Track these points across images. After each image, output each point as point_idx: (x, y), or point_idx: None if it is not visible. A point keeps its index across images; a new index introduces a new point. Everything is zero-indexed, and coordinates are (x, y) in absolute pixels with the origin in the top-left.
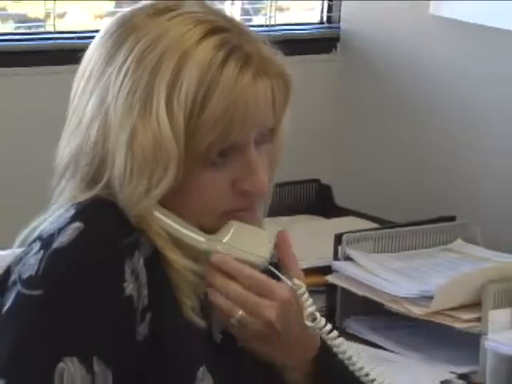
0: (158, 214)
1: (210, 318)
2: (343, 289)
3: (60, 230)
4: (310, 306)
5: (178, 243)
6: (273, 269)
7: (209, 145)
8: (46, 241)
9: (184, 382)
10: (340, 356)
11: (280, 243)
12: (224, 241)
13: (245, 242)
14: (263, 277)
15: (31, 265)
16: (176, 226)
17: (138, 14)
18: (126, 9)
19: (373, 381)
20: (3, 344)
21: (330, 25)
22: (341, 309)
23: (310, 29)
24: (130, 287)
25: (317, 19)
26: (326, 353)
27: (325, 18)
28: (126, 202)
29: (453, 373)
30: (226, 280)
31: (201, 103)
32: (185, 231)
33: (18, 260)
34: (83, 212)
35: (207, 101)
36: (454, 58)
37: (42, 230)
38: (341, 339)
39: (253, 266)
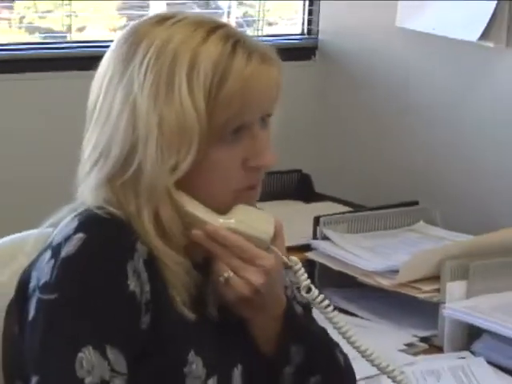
0: (178, 196)
1: (204, 306)
2: (321, 264)
3: (66, 239)
4: (305, 279)
5: (166, 237)
6: (272, 247)
7: (225, 122)
8: (55, 250)
9: (178, 365)
10: (328, 321)
11: (278, 228)
12: (235, 219)
13: (252, 221)
14: (251, 245)
15: (46, 272)
16: (194, 207)
17: (144, 25)
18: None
19: (354, 341)
20: (33, 347)
21: (309, 36)
22: (319, 282)
23: (293, 39)
24: (132, 284)
25: (298, 31)
26: (292, 316)
27: (305, 30)
28: (154, 184)
29: (415, 336)
30: (217, 246)
31: (217, 86)
32: (202, 210)
33: (34, 265)
34: (85, 223)
35: (223, 83)
36: (415, 64)
37: (52, 239)
38: (331, 307)
39: (258, 241)
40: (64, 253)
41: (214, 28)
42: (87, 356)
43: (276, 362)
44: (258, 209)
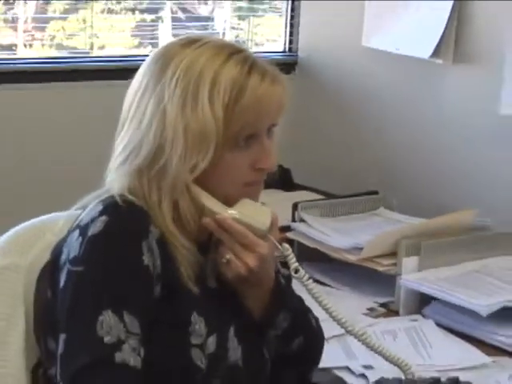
0: (195, 190)
1: (204, 279)
2: (299, 242)
3: (92, 221)
4: (294, 262)
5: (181, 224)
6: (269, 235)
7: (239, 130)
8: (82, 229)
9: (184, 325)
10: (311, 295)
11: (274, 220)
12: (239, 211)
13: (253, 214)
14: (251, 234)
15: (75, 248)
16: (208, 200)
17: (173, 46)
18: (147, 41)
19: (332, 312)
20: (63, 309)
21: (290, 53)
22: (297, 257)
23: (276, 56)
24: (146, 260)
25: (281, 49)
26: (279, 289)
27: (287, 48)
28: (176, 179)
29: (376, 302)
30: (224, 232)
31: (234, 100)
32: (214, 202)
33: (65, 240)
34: (108, 208)
35: (239, 99)
36: (377, 77)
37: (80, 220)
38: (314, 284)
39: (257, 230)
40: (90, 232)
41: (234, 52)
42: (107, 319)
43: (263, 325)
44: (259, 203)
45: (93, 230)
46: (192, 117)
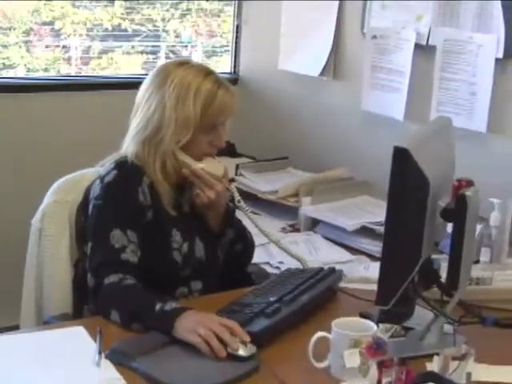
0: (179, 153)
1: (181, 207)
2: (239, 188)
3: (107, 173)
4: (238, 196)
5: (166, 175)
6: (223, 180)
7: (208, 122)
8: (101, 178)
9: (167, 237)
10: (248, 217)
11: (225, 171)
12: (205, 165)
13: (213, 166)
14: (212, 178)
15: (97, 190)
16: (186, 158)
17: (169, 65)
18: (153, 62)
19: (260, 227)
20: (90, 228)
21: (234, 73)
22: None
23: (226, 75)
24: (141, 197)
25: (229, 70)
26: (228, 213)
27: (232, 70)
28: (167, 147)
29: (286, 223)
30: (195, 177)
31: (208, 104)
32: (190, 160)
33: (92, 185)
34: (117, 165)
35: (211, 104)
36: (286, 88)
37: (101, 173)
38: (250, 210)
39: (215, 176)
40: (106, 180)
41: (209, 73)
42: (116, 233)
43: (218, 236)
44: (217, 160)
45: (107, 179)
46: (181, 111)
